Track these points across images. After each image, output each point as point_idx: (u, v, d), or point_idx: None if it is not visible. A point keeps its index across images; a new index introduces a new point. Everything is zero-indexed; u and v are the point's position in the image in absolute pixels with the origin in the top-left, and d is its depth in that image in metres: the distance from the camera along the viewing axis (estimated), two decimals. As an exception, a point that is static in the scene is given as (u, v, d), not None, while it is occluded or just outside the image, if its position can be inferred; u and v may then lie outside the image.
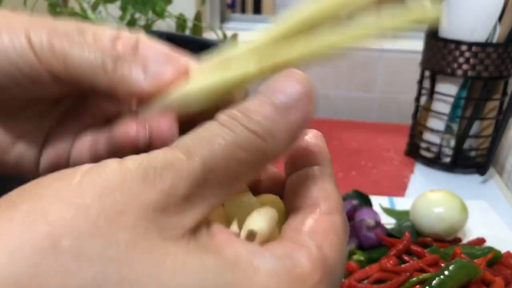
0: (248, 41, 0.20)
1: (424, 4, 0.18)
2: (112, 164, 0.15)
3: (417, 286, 0.44)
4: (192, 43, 0.52)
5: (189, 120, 0.20)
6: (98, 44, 0.21)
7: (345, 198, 0.61)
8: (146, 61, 0.21)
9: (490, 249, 0.50)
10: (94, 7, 0.80)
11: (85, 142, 0.23)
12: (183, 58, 0.21)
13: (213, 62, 0.20)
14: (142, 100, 0.21)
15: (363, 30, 0.18)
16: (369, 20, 0.18)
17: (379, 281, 0.46)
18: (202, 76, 0.20)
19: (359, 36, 0.18)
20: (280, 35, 0.19)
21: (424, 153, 0.79)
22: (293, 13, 0.19)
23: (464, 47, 0.69)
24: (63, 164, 0.23)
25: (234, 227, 0.18)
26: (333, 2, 0.18)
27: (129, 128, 0.20)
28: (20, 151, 0.23)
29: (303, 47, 0.18)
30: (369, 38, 0.18)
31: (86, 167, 0.15)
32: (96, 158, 0.23)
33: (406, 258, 0.48)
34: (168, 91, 0.20)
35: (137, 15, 0.82)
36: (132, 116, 0.21)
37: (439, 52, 0.72)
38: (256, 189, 0.21)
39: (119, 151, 0.21)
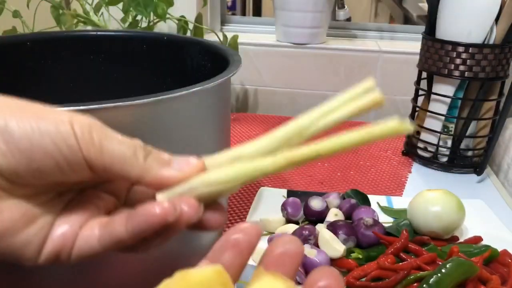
0: (251, 144, 0.24)
1: (395, 120, 0.23)
2: None
3: (415, 284, 0.45)
4: (193, 45, 0.52)
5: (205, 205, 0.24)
6: (131, 140, 0.24)
7: (344, 197, 0.62)
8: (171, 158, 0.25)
9: (487, 247, 0.51)
10: (96, 9, 0.80)
11: (94, 227, 0.25)
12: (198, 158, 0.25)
13: (225, 157, 0.24)
14: (165, 186, 0.24)
15: (349, 139, 0.23)
16: (353, 133, 0.23)
17: (377, 279, 0.46)
18: (218, 167, 0.24)
19: (347, 143, 0.23)
20: (272, 144, 0.24)
21: (421, 153, 0.80)
22: (278, 130, 0.24)
23: (461, 48, 0.70)
24: (65, 251, 0.24)
25: None
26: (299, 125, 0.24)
27: (158, 208, 0.22)
28: (29, 234, 0.23)
29: (307, 149, 0.23)
30: (354, 145, 0.23)
31: None
32: (108, 241, 0.24)
33: (403, 256, 0.49)
34: (188, 180, 0.24)
35: (139, 17, 0.83)
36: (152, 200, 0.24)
37: (436, 53, 0.72)
38: None
39: (142, 231, 0.23)
